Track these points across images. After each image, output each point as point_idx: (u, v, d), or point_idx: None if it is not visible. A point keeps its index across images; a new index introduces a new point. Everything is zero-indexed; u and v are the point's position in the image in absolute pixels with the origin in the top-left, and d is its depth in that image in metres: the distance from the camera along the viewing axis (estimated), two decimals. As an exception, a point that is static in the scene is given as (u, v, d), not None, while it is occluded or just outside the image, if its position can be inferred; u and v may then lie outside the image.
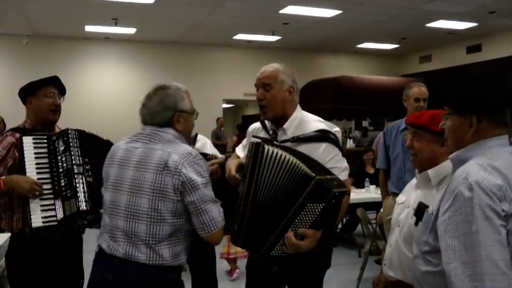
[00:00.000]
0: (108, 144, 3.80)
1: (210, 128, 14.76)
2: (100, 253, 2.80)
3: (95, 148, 3.67)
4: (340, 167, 3.12)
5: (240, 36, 15.18)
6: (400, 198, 3.12)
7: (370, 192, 8.41)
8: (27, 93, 3.75)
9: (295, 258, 2.82)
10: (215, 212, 2.72)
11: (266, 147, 2.82)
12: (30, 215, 3.40)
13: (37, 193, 3.40)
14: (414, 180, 3.04)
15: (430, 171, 2.85)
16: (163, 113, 2.83)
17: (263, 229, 2.82)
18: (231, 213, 2.94)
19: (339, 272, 6.94)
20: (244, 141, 3.59)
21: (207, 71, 16.20)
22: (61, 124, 3.88)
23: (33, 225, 3.39)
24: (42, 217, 3.40)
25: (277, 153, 2.78)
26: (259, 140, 2.96)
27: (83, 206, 3.40)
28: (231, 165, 3.16)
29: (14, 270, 3.68)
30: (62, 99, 3.82)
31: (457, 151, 2.30)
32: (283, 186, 2.76)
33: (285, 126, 3.21)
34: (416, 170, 3.02)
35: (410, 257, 2.76)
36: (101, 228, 2.85)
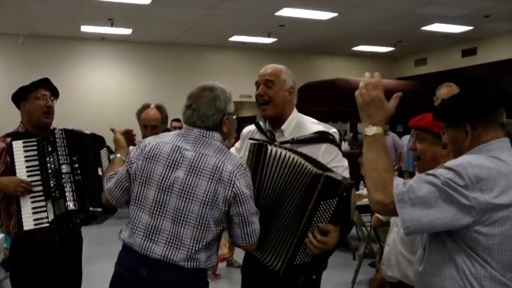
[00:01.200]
0: (85, 136, 3.78)
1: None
2: (128, 248, 2.77)
3: (83, 145, 3.67)
4: (342, 166, 3.17)
5: (235, 38, 15.17)
6: None
7: (365, 195, 8.41)
8: (19, 97, 3.76)
9: (317, 262, 2.84)
10: (257, 224, 2.76)
11: (269, 147, 2.86)
12: (21, 218, 3.39)
13: (22, 190, 3.39)
14: None
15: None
16: (214, 116, 2.80)
17: (276, 234, 2.84)
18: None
19: (333, 274, 6.94)
20: (238, 144, 3.58)
21: (202, 73, 16.18)
22: (57, 125, 3.87)
23: (25, 227, 3.40)
24: (33, 219, 3.40)
25: (281, 152, 2.83)
26: (260, 141, 3.00)
27: (71, 205, 3.38)
28: None
29: (15, 270, 3.71)
30: (54, 101, 3.81)
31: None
32: (289, 186, 2.80)
33: (283, 127, 3.22)
34: (416, 172, 3.04)
35: (407, 257, 2.78)
36: (131, 224, 2.77)
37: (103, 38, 14.97)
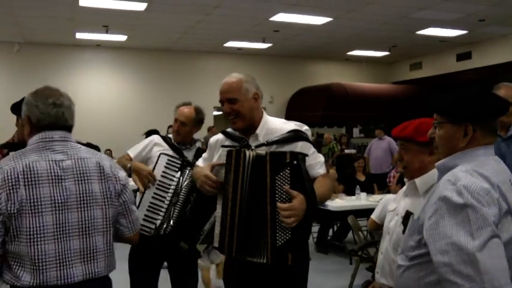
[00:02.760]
0: (93, 148, 3.80)
1: (201, 136, 14.70)
2: None
3: None
4: (320, 161, 3.20)
5: (230, 44, 15.18)
6: (391, 205, 3.13)
7: (361, 200, 8.42)
8: (15, 111, 3.73)
9: (299, 234, 2.84)
10: (136, 212, 2.84)
11: (247, 152, 2.91)
12: None
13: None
14: (405, 188, 3.04)
15: (417, 180, 2.85)
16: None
17: (255, 232, 2.86)
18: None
19: (330, 279, 6.94)
20: (206, 154, 3.54)
21: (198, 78, 16.19)
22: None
23: None
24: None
25: (254, 156, 2.89)
26: (236, 147, 3.04)
27: None
28: (204, 171, 3.16)
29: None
30: None
31: (444, 159, 2.29)
32: (255, 182, 2.86)
33: (257, 131, 3.21)
34: (405, 179, 3.02)
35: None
36: (32, 264, 2.44)
37: (98, 44, 14.97)
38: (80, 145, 2.72)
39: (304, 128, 3.25)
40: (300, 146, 3.11)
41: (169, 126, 9.50)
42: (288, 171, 2.79)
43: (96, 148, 3.85)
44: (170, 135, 4.45)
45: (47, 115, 2.62)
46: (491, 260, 1.93)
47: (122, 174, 2.79)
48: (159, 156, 4.07)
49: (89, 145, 3.81)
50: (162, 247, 4.04)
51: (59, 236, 2.48)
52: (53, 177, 2.50)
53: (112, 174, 2.70)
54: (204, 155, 3.56)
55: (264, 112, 3.31)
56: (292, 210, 2.74)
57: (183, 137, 4.29)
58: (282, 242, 2.81)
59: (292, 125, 3.23)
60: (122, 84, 15.60)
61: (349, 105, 15.42)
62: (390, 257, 2.90)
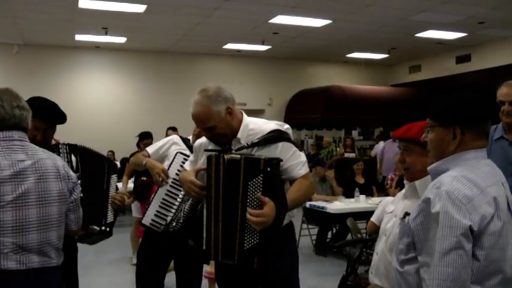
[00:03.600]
0: (102, 158, 3.84)
1: (200, 138, 14.72)
2: (7, 274, 2.68)
3: (87, 162, 3.68)
4: (301, 161, 3.21)
5: (229, 46, 15.18)
6: (389, 207, 3.12)
7: (360, 202, 8.41)
8: None
9: (267, 240, 2.90)
10: (81, 207, 3.06)
11: (226, 156, 2.95)
12: None
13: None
14: (404, 190, 3.04)
15: (417, 183, 2.85)
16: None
17: (228, 235, 2.95)
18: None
19: (329, 281, 6.92)
20: (192, 157, 3.59)
21: (197, 80, 16.13)
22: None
23: None
24: None
25: (232, 159, 2.94)
26: (216, 153, 3.05)
27: None
28: (189, 177, 3.20)
29: None
30: (53, 131, 3.76)
31: (436, 163, 2.31)
32: (230, 186, 2.93)
33: (238, 135, 3.23)
34: (405, 180, 3.02)
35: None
36: None
37: (97, 46, 14.96)
38: (35, 146, 2.86)
39: (285, 127, 3.29)
40: (280, 147, 3.14)
41: (169, 128, 9.49)
42: (261, 178, 2.84)
43: (114, 165, 3.90)
44: (190, 136, 4.51)
45: (12, 116, 2.78)
46: (446, 268, 2.01)
47: (73, 174, 2.98)
48: (175, 155, 4.14)
49: (108, 159, 3.83)
50: (171, 243, 4.07)
51: (18, 230, 2.66)
52: (15, 176, 2.66)
53: (65, 173, 2.88)
54: (190, 157, 3.62)
55: (244, 114, 3.32)
56: (262, 216, 2.80)
57: None
58: (250, 245, 2.90)
59: (273, 125, 3.25)
60: (121, 85, 15.59)
61: (348, 107, 15.42)
62: (386, 258, 2.90)
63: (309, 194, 3.36)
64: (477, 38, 13.96)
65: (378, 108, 15.84)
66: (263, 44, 14.71)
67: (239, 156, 2.92)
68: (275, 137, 3.16)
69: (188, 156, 4.08)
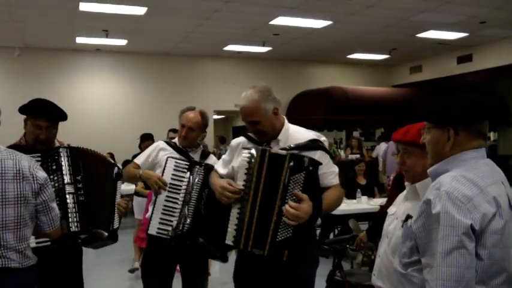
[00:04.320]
0: (110, 164, 3.83)
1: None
2: None
3: (88, 165, 3.66)
4: (334, 171, 3.41)
5: (230, 47, 15.17)
6: (391, 209, 3.12)
7: (362, 203, 8.41)
8: (24, 112, 3.71)
9: (299, 235, 3.06)
10: (57, 209, 2.99)
11: (271, 151, 3.13)
12: None
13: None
14: (405, 192, 3.03)
15: (417, 185, 2.84)
16: None
17: (262, 225, 3.08)
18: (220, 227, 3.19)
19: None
20: (226, 156, 3.69)
21: (197, 82, 16.20)
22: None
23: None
24: (36, 237, 3.36)
25: (279, 154, 3.12)
26: (261, 147, 3.23)
27: (74, 227, 3.42)
28: (221, 184, 3.27)
29: None
30: (55, 130, 3.77)
31: (435, 165, 2.33)
32: (271, 179, 3.08)
33: (279, 137, 3.40)
34: (406, 182, 3.01)
35: None
36: None
37: (98, 49, 14.96)
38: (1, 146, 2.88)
39: (322, 138, 3.46)
40: (318, 155, 3.31)
41: (170, 130, 9.50)
42: (303, 175, 3.02)
43: (118, 170, 3.89)
44: (175, 140, 4.51)
45: None
46: (448, 268, 2.01)
47: (41, 174, 2.94)
48: (166, 160, 4.13)
49: (94, 155, 3.81)
50: (181, 247, 4.07)
51: None
52: None
53: (30, 174, 2.85)
54: (224, 156, 3.73)
55: (286, 119, 3.52)
56: (300, 210, 2.97)
57: (190, 142, 4.37)
58: (282, 238, 3.04)
59: (312, 134, 3.45)
60: (122, 88, 15.59)
61: (349, 108, 15.40)
62: (388, 260, 2.89)
63: (338, 202, 3.49)
64: (478, 38, 13.94)
65: (379, 109, 15.82)
66: (264, 45, 14.71)
67: (285, 152, 3.11)
68: (314, 145, 3.36)
69: (179, 158, 4.16)
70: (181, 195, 4.03)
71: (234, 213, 3.15)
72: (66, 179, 3.51)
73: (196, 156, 4.38)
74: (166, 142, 4.49)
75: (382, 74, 18.64)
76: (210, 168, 4.04)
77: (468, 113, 2.25)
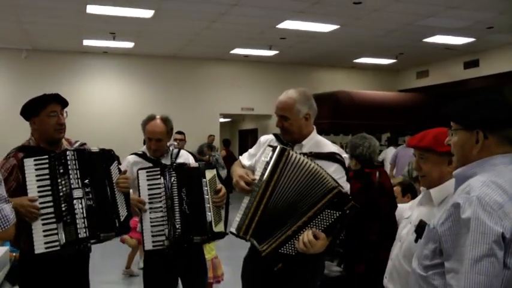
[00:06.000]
0: (106, 154, 3.76)
1: (198, 143, 14.64)
2: None
3: (96, 168, 3.61)
4: (345, 188, 3.35)
5: (237, 51, 15.21)
6: (406, 213, 3.11)
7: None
8: (30, 113, 3.68)
9: (299, 259, 3.09)
10: (8, 210, 2.73)
11: (292, 152, 3.16)
12: (33, 241, 3.33)
13: (32, 215, 3.32)
14: (420, 196, 3.02)
15: (432, 191, 2.83)
16: None
17: (276, 225, 3.11)
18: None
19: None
20: (253, 150, 3.78)
21: (204, 86, 16.21)
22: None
23: (36, 251, 3.31)
24: (44, 242, 3.31)
25: (301, 158, 3.13)
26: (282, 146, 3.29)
27: (82, 233, 3.37)
28: (240, 173, 3.36)
29: (24, 285, 3.67)
30: (65, 115, 3.76)
31: (461, 168, 2.27)
32: (302, 189, 3.09)
33: (303, 142, 3.49)
34: (421, 187, 3.01)
35: (409, 272, 2.75)
36: None
37: (105, 51, 15.02)
38: None
39: (344, 155, 3.51)
40: (335, 168, 3.35)
41: (176, 133, 9.48)
42: (337, 215, 3.02)
43: (110, 154, 3.80)
44: (143, 149, 4.48)
45: None
46: (477, 276, 1.95)
47: None
48: (137, 174, 4.06)
49: (102, 152, 3.78)
50: (180, 251, 4.04)
51: None
52: None
53: None
54: (251, 150, 3.80)
55: (315, 129, 3.59)
56: (311, 246, 2.98)
57: (161, 152, 4.37)
58: (284, 251, 3.08)
59: (336, 148, 3.52)
60: (129, 90, 15.63)
61: (355, 113, 15.36)
62: (400, 264, 2.89)
63: None
64: (485, 43, 13.90)
65: (385, 114, 15.78)
66: (270, 49, 14.72)
67: (334, 184, 3.08)
68: (334, 157, 3.41)
69: (149, 167, 4.10)
70: (163, 202, 3.99)
71: (245, 201, 3.19)
72: (74, 183, 3.46)
73: (168, 160, 4.33)
74: (135, 154, 4.44)
75: (388, 78, 18.62)
76: (179, 166, 4.08)
77: (499, 116, 2.20)
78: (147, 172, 4.04)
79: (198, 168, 4.10)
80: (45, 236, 3.33)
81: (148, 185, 4.01)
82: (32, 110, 3.66)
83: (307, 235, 2.98)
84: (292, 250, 3.05)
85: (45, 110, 3.62)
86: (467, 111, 2.27)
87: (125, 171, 3.86)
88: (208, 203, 3.97)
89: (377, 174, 4.97)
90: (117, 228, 3.57)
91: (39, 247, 3.31)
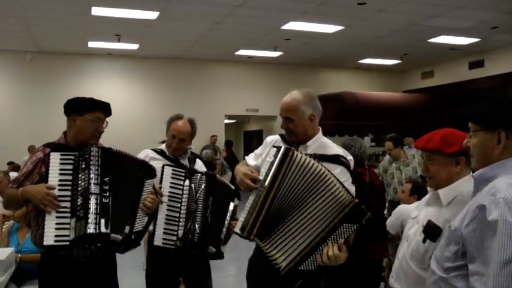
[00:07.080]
0: (135, 161, 3.75)
1: (201, 144, 14.65)
2: None
3: (119, 167, 3.57)
4: (351, 191, 3.30)
5: (241, 52, 15.22)
6: (413, 212, 3.11)
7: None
8: (73, 110, 3.66)
9: (318, 272, 3.01)
10: None
11: (296, 152, 3.08)
12: (43, 232, 3.33)
13: (48, 204, 3.31)
14: (427, 196, 3.01)
15: (441, 191, 2.82)
16: None
17: (288, 237, 3.03)
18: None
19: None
20: (259, 150, 3.75)
21: (208, 87, 16.23)
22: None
23: (45, 242, 3.30)
24: (54, 235, 3.30)
25: (306, 159, 3.05)
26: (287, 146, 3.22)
27: (91, 228, 3.27)
28: (244, 170, 3.30)
29: (44, 286, 3.66)
30: (105, 125, 3.78)
31: (481, 169, 2.25)
32: (307, 189, 3.02)
33: (308, 143, 3.45)
34: (428, 188, 3.00)
35: (416, 272, 2.75)
36: None
37: (110, 53, 15.05)
38: None
39: (349, 157, 3.48)
40: (340, 170, 3.30)
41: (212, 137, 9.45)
42: (354, 228, 2.95)
43: (151, 170, 3.79)
44: (161, 147, 4.44)
45: None
46: (505, 279, 1.93)
47: None
48: (163, 168, 4.02)
49: (143, 163, 3.78)
50: (188, 256, 4.03)
51: None
52: None
53: None
54: (257, 150, 3.77)
55: (320, 130, 3.55)
56: (335, 259, 2.89)
57: (181, 151, 4.35)
58: (304, 268, 2.99)
59: (341, 151, 3.48)
60: (133, 92, 15.65)
61: (360, 113, 15.36)
62: (407, 263, 2.88)
63: None
64: (490, 43, 13.88)
65: (390, 115, 15.77)
66: (275, 50, 14.72)
67: (352, 198, 2.98)
68: (339, 160, 3.37)
69: (175, 167, 4.08)
70: (183, 203, 3.96)
71: (249, 201, 3.14)
72: (93, 178, 3.42)
73: (185, 162, 4.34)
74: (153, 150, 4.41)
75: (393, 79, 18.60)
76: (211, 175, 4.07)
77: None
78: (173, 170, 4.03)
79: (231, 189, 4.13)
80: (56, 229, 3.31)
81: (171, 183, 3.98)
82: (78, 108, 3.65)
83: (332, 249, 2.91)
84: (312, 265, 2.99)
85: (91, 114, 3.62)
86: (488, 112, 2.25)
87: (161, 194, 3.84)
88: (226, 223, 3.98)
89: (367, 174, 5.07)
90: (125, 234, 3.44)
91: (49, 239, 3.30)
